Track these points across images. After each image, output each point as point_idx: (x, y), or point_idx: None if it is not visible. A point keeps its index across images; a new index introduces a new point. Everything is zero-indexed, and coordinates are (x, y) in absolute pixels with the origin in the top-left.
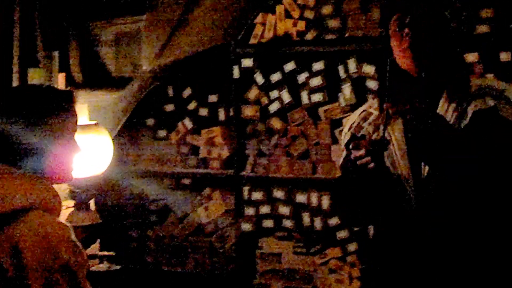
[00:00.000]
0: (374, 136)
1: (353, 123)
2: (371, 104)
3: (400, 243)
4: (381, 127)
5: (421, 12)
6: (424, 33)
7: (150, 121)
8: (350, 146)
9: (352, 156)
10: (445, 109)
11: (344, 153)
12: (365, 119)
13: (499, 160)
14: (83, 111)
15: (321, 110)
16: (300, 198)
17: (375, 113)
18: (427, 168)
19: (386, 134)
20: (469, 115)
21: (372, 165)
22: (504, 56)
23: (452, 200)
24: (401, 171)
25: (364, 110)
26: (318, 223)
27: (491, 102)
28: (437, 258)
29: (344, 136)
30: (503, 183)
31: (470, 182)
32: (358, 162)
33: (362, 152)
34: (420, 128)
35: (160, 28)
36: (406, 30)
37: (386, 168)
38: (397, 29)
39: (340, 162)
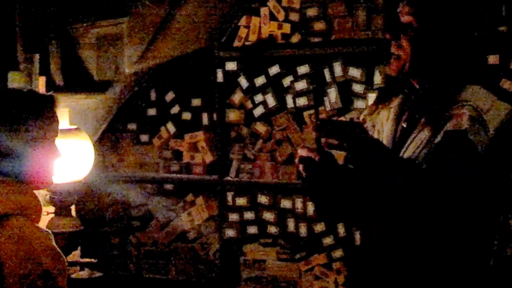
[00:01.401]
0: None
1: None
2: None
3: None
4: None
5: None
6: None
7: (132, 126)
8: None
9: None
10: (420, 128)
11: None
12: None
13: (455, 185)
14: (64, 115)
15: (306, 114)
16: (285, 203)
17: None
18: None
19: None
20: (442, 133)
21: (303, 174)
22: (492, 59)
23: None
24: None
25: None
26: (303, 229)
27: (466, 124)
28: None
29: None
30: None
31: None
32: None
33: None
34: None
35: (142, 31)
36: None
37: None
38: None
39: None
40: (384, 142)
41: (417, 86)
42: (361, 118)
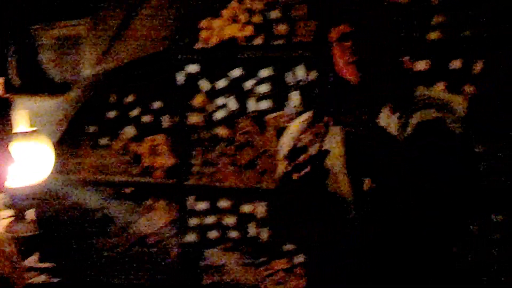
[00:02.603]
0: (312, 149)
1: (292, 133)
2: (310, 114)
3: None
4: (320, 139)
5: (364, 23)
6: (368, 45)
7: (92, 128)
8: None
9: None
10: (388, 120)
11: (284, 164)
12: (304, 130)
13: (441, 172)
14: (23, 118)
15: (268, 118)
16: (246, 208)
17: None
18: (367, 182)
19: (325, 146)
20: (413, 125)
21: (305, 170)
22: (455, 64)
23: (394, 216)
24: (340, 186)
25: (303, 120)
26: (264, 234)
27: (436, 114)
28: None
29: (282, 147)
30: (444, 195)
31: (412, 194)
32: (295, 175)
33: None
34: (361, 141)
35: (102, 32)
36: (349, 43)
37: (325, 183)
38: (338, 40)
39: (279, 174)
40: (337, 151)
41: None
42: (289, 138)
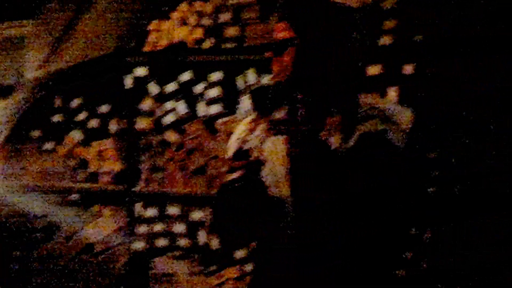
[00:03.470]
0: (256, 151)
1: (241, 133)
2: (253, 117)
3: (280, 266)
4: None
5: (308, 28)
6: (311, 52)
7: (36, 133)
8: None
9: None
10: (331, 129)
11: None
12: (252, 130)
13: (381, 183)
14: None
15: (219, 123)
16: (196, 215)
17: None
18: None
19: (264, 154)
20: (355, 137)
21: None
22: (407, 69)
23: (330, 224)
24: (281, 191)
25: (248, 122)
26: (215, 242)
27: (380, 126)
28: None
29: (230, 147)
30: (383, 208)
31: (351, 205)
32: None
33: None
34: (302, 151)
35: (47, 33)
36: (290, 50)
37: (265, 187)
38: (281, 45)
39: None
40: (280, 159)
41: (301, 96)
42: (235, 139)
